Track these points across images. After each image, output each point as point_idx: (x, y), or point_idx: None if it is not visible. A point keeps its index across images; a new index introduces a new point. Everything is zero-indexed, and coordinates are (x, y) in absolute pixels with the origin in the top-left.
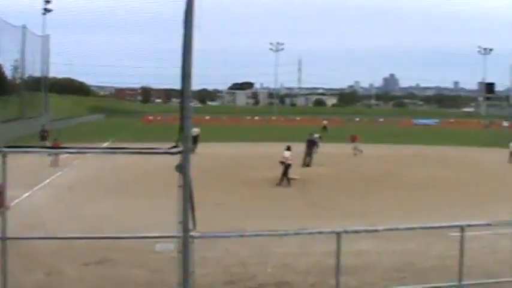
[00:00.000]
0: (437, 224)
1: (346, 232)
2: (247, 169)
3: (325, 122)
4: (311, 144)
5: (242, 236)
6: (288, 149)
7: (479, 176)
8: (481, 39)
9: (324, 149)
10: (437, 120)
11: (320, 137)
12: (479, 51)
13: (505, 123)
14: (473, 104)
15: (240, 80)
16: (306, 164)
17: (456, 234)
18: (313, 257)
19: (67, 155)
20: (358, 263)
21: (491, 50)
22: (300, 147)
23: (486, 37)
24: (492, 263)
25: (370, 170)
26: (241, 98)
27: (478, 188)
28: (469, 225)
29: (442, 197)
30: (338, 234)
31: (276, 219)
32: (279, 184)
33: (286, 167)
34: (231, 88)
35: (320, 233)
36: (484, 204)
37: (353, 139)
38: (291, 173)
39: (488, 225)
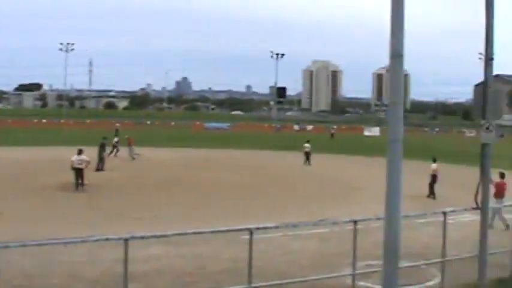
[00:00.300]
0: (226, 228)
1: (133, 238)
2: (34, 175)
3: (117, 125)
4: (103, 148)
5: (24, 245)
6: (80, 152)
7: (273, 179)
8: (273, 45)
9: (118, 153)
10: (229, 124)
11: (117, 142)
12: (271, 56)
13: (296, 127)
14: (265, 108)
15: (27, 81)
16: (99, 168)
17: (247, 237)
18: (102, 264)
19: None
20: (148, 269)
21: (283, 55)
22: (93, 152)
23: (279, 42)
24: (283, 264)
25: (160, 174)
26: (29, 100)
27: (270, 191)
28: (257, 228)
29: (236, 200)
30: (126, 240)
31: (63, 226)
32: (76, 190)
33: (77, 171)
34: (17, 89)
35: (107, 239)
36: (276, 206)
37: (129, 143)
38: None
39: (276, 227)
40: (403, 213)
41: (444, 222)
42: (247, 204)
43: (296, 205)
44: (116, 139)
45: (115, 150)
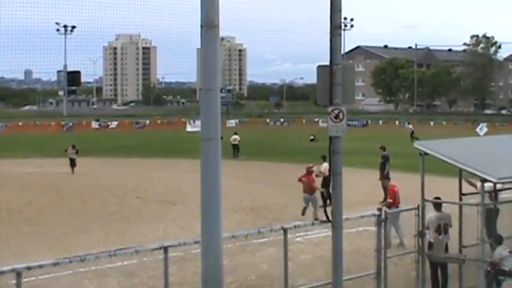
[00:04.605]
0: None
1: None
2: None
3: None
4: None
5: None
6: None
7: (62, 197)
8: (60, 15)
9: None
10: (1, 124)
11: None
12: (57, 30)
13: (95, 124)
14: (52, 101)
15: None
16: None
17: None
18: None
19: None
20: None
21: (73, 27)
22: None
23: (68, 12)
24: None
25: None
26: None
27: (60, 212)
28: (28, 268)
29: (16, 229)
30: None
31: None
32: None
33: None
34: None
35: None
36: (69, 232)
37: None
38: None
39: (55, 264)
40: (228, 232)
41: (285, 242)
42: (27, 233)
43: (95, 228)
44: None
45: None
